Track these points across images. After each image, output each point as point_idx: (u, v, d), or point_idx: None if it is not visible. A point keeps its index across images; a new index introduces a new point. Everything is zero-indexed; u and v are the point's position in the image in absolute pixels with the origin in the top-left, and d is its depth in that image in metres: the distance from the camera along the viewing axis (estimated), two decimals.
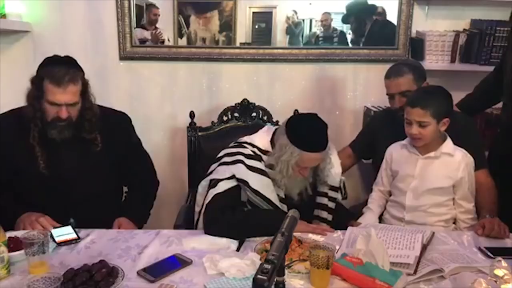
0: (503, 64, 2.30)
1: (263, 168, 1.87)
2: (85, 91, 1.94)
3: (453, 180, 1.92)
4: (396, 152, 2.06)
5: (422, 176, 1.95)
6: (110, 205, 2.05)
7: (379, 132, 2.34)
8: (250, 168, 1.85)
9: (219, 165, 1.92)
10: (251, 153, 1.89)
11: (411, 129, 1.90)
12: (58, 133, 1.90)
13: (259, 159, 1.89)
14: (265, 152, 1.90)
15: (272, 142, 1.92)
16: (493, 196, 2.03)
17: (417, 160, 1.96)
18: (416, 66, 2.22)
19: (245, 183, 1.83)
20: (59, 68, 1.84)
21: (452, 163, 1.93)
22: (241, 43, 2.76)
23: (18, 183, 1.95)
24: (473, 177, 1.97)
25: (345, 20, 2.75)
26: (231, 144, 1.99)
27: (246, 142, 1.95)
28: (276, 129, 1.95)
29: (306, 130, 1.82)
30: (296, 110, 2.50)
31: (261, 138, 1.95)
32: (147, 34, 2.75)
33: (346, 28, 2.77)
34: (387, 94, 2.23)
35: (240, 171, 1.85)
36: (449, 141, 1.95)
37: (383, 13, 2.73)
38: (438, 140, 1.94)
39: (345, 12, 2.73)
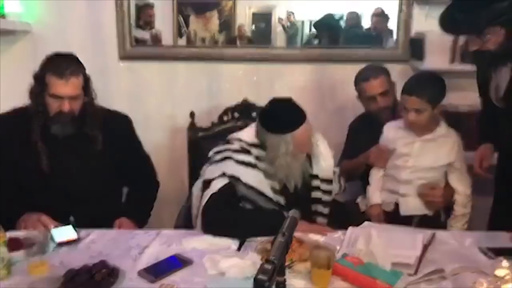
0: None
1: (253, 161, 1.88)
2: (87, 86, 1.96)
3: (448, 160, 2.01)
4: (392, 133, 2.11)
5: (418, 156, 2.02)
6: (110, 206, 2.05)
7: (358, 140, 2.35)
8: (240, 162, 1.87)
9: (209, 165, 1.94)
10: (239, 148, 1.91)
11: (409, 115, 1.97)
12: (61, 128, 1.91)
13: (247, 152, 1.90)
14: (252, 145, 1.92)
15: (257, 134, 1.92)
16: None
17: (414, 141, 2.04)
18: (384, 68, 2.32)
19: (237, 178, 1.85)
20: (61, 62, 1.88)
21: (447, 143, 2.02)
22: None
23: (19, 181, 1.96)
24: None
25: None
26: (220, 143, 2.00)
27: (233, 138, 1.97)
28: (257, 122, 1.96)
29: (281, 113, 1.87)
30: None
31: (247, 132, 1.97)
32: (144, 35, 2.76)
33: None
34: (366, 97, 2.28)
35: (229, 167, 1.86)
36: (443, 123, 2.04)
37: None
38: (433, 122, 2.02)
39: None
